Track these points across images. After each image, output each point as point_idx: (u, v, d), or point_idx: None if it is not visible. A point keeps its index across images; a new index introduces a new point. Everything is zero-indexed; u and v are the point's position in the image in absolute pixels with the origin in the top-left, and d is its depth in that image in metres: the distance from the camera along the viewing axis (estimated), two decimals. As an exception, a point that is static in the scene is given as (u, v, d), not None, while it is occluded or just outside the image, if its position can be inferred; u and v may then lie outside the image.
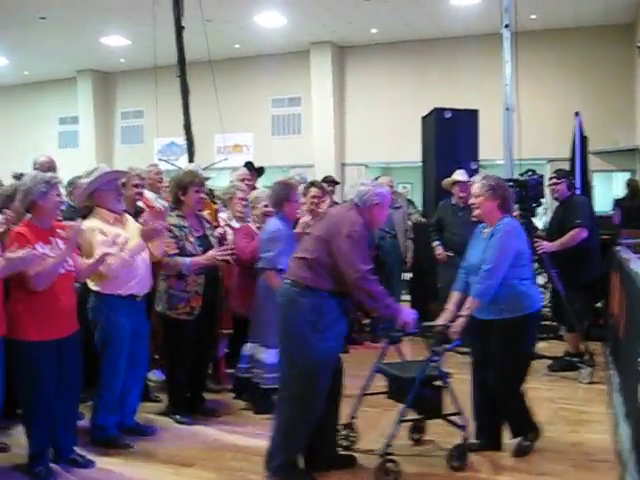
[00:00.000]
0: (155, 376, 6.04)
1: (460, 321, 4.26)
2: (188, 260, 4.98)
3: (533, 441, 4.48)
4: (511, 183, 6.60)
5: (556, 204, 6.97)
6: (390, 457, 4.03)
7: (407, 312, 4.15)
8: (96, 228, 4.51)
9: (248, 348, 5.44)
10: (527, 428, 4.49)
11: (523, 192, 6.48)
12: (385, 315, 4.19)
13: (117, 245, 4.42)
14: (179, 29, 9.47)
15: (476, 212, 4.48)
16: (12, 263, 3.60)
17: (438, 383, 4.34)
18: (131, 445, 4.64)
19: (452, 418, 4.34)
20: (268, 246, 5.22)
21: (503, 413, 4.48)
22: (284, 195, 5.40)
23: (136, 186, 5.55)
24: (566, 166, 9.22)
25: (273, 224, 5.36)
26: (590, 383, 6.07)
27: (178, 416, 5.17)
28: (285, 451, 4.02)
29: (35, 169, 6.01)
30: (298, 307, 3.94)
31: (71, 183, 5.67)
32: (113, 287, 4.55)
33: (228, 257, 5.25)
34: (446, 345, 4.25)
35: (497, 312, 4.29)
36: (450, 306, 4.45)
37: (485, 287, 4.24)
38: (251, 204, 6.03)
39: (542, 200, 6.77)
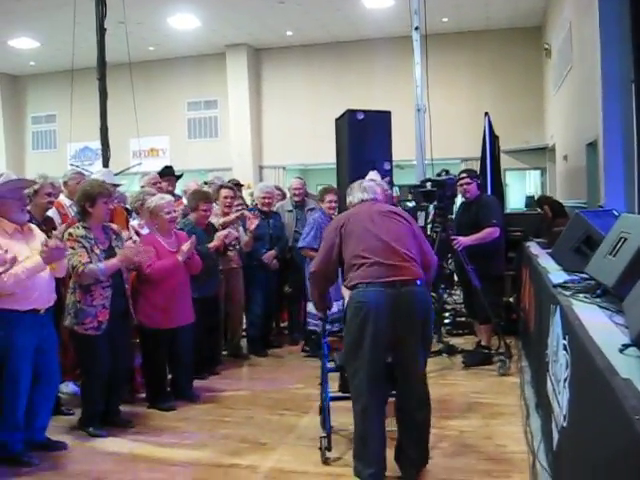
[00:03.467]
0: (67, 388, 5.85)
1: None
2: (102, 265, 4.85)
3: None
4: (429, 183, 6.76)
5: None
6: None
7: None
8: None
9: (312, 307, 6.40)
10: None
11: (441, 191, 6.69)
12: None
13: (6, 262, 4.11)
14: (101, 31, 9.21)
15: None
16: None
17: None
18: (36, 462, 4.47)
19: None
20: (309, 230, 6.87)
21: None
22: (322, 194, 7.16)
23: (49, 195, 5.44)
24: (478, 165, 9.48)
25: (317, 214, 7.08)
26: (504, 375, 6.21)
27: (91, 429, 5.02)
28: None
29: None
30: (430, 303, 4.12)
31: None
32: (11, 302, 4.34)
33: (143, 257, 5.15)
34: None
35: None
36: None
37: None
38: (154, 211, 5.69)
39: (456, 199, 6.99)
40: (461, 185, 6.84)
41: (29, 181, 4.99)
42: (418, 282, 3.90)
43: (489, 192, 8.35)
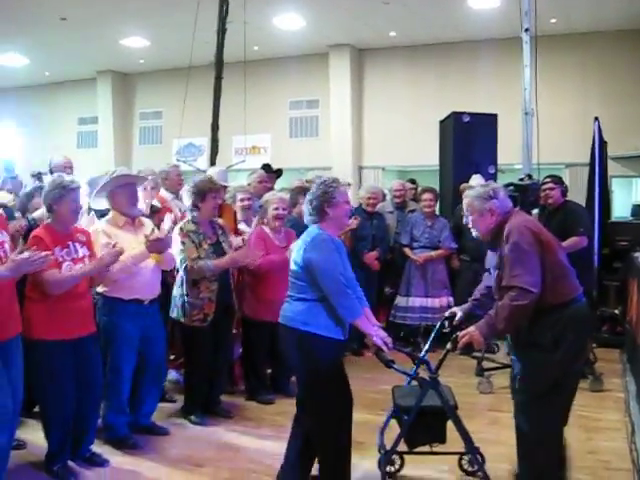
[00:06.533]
0: (170, 376, 6.04)
1: None
2: (211, 263, 5.00)
3: None
4: (511, 187, 6.57)
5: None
6: None
7: None
8: (101, 230, 4.52)
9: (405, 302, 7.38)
10: None
11: (523, 196, 6.44)
12: None
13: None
14: (223, 31, 9.53)
15: None
16: (17, 265, 3.43)
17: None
18: (140, 445, 4.68)
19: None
20: None
21: None
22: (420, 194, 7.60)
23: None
24: (585, 171, 9.19)
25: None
26: (599, 391, 5.96)
27: (193, 417, 5.19)
28: None
29: (51, 170, 6.07)
30: None
31: (92, 183, 5.66)
32: (115, 291, 4.57)
33: (249, 261, 5.30)
34: None
35: None
36: None
37: None
38: (264, 206, 5.96)
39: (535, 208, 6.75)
40: (544, 190, 6.58)
41: (138, 177, 5.19)
42: None
43: (597, 200, 8.07)
